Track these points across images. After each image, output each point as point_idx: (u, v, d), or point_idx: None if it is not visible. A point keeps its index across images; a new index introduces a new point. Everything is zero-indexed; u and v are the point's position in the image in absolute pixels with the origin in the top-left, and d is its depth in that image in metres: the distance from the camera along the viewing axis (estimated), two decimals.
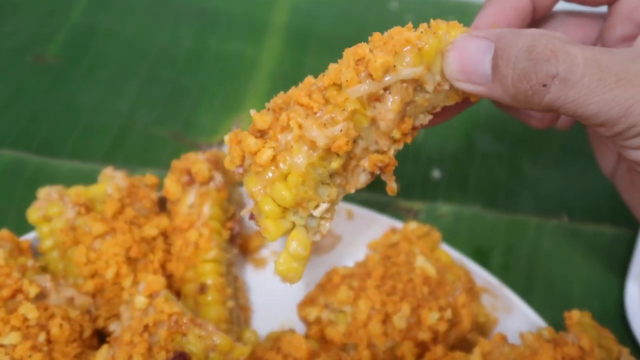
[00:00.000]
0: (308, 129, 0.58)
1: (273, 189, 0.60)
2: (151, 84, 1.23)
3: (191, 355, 0.74)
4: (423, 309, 0.82)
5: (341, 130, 0.58)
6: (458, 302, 0.84)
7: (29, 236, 0.89)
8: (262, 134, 0.61)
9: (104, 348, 0.79)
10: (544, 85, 0.52)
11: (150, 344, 0.75)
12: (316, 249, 0.98)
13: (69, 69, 1.24)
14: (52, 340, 0.78)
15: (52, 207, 0.85)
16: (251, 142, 0.59)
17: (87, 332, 0.82)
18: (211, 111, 1.20)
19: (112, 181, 0.89)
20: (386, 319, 0.82)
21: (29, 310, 0.77)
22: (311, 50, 1.29)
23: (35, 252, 0.88)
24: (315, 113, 0.59)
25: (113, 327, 0.82)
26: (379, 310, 0.82)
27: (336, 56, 0.63)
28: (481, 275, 0.92)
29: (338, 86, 0.59)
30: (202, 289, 0.84)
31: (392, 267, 0.86)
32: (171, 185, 0.89)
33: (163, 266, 0.88)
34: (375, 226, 0.97)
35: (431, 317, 0.82)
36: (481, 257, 1.05)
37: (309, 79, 0.64)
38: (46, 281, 0.81)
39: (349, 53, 0.61)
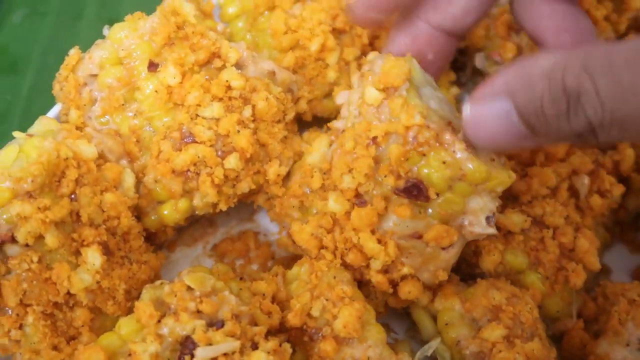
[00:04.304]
0: None
1: None
2: None
3: (429, 185, 0.55)
4: None
5: None
6: None
7: None
8: None
9: (323, 139, 0.63)
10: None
11: (377, 159, 0.56)
12: None
13: None
14: (257, 117, 0.63)
15: None
16: None
17: (290, 115, 0.67)
18: None
19: None
20: None
21: (233, 77, 0.61)
22: None
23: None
24: None
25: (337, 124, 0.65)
26: None
27: None
28: None
29: None
30: None
31: None
32: None
33: (372, 44, 0.71)
34: None
35: None
36: None
37: None
38: (243, 49, 0.65)
39: None
